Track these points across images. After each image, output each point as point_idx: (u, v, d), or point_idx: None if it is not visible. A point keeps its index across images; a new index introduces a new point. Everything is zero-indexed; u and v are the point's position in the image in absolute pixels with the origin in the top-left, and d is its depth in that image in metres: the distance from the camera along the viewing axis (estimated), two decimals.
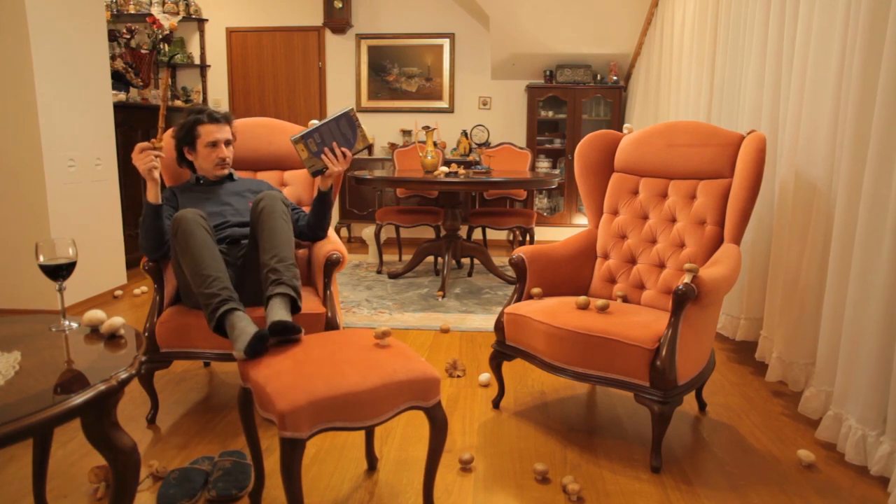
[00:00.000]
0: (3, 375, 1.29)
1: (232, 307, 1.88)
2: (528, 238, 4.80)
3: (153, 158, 2.18)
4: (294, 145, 2.31)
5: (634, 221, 2.63)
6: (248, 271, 2.26)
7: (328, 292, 2.37)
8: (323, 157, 2.34)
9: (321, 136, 2.32)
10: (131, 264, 4.53)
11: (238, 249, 2.34)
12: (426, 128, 4.33)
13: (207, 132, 2.47)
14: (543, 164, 6.13)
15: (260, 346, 1.71)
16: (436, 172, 4.17)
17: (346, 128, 2.33)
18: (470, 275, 4.81)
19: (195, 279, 1.97)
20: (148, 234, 2.25)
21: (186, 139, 2.49)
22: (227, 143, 2.52)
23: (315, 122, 2.39)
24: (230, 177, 2.61)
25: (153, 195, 2.22)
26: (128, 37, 5.14)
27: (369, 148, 6.32)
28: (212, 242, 2.05)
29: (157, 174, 2.20)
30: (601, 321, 2.11)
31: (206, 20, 6.41)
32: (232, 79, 6.50)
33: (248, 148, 2.84)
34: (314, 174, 2.38)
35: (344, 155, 2.37)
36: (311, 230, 2.54)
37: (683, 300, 1.94)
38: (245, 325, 1.79)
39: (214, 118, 2.48)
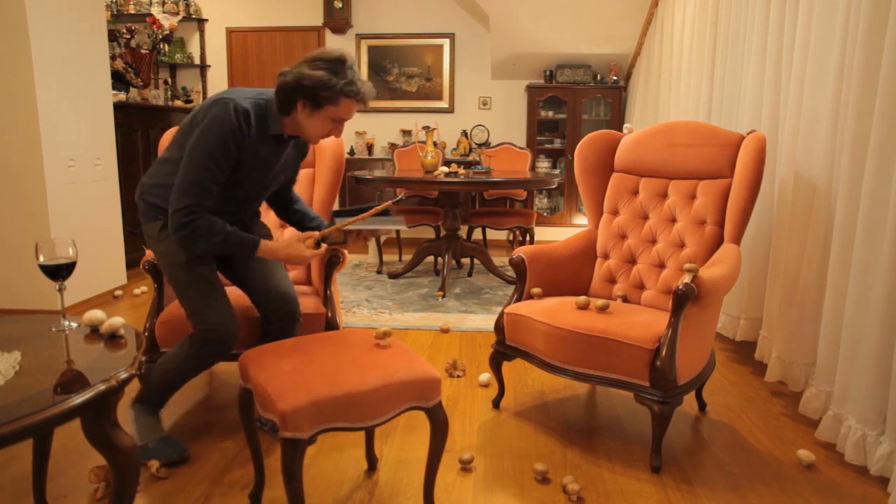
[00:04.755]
0: (3, 375, 1.29)
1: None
2: (528, 238, 4.80)
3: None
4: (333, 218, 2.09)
5: (634, 221, 2.63)
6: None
7: (328, 292, 2.37)
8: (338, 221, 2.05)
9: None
10: (131, 264, 4.53)
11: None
12: (426, 128, 4.33)
13: (347, 109, 1.96)
14: (543, 164, 6.13)
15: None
16: (436, 172, 4.16)
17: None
18: (470, 275, 4.81)
19: (167, 376, 2.05)
20: (213, 248, 1.93)
21: (314, 94, 1.91)
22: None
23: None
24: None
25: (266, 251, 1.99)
26: (128, 37, 5.13)
27: (370, 148, 6.32)
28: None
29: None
30: (601, 321, 2.11)
31: (206, 20, 6.41)
32: (232, 79, 6.50)
33: None
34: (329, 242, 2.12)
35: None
36: (282, 211, 2.32)
37: (683, 300, 1.94)
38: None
39: (362, 100, 1.98)
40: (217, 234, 1.90)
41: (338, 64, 1.91)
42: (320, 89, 1.90)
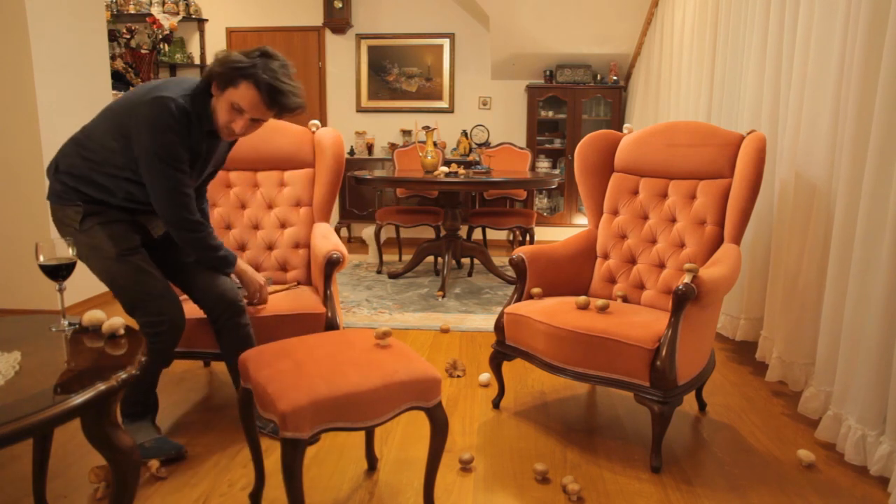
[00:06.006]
0: (3, 375, 1.29)
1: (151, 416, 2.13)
2: (528, 238, 4.80)
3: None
4: None
5: (634, 221, 2.62)
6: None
7: (328, 292, 2.37)
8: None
9: None
10: None
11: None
12: (426, 128, 4.33)
13: (244, 96, 1.86)
14: (543, 164, 6.13)
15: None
16: (436, 172, 4.17)
17: None
18: (470, 275, 4.81)
19: (133, 384, 2.05)
20: (204, 259, 2.11)
21: (222, 76, 1.87)
22: (256, 121, 1.95)
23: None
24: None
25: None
26: (128, 37, 5.14)
27: (370, 148, 6.32)
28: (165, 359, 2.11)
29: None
30: (601, 321, 2.11)
31: (206, 20, 6.41)
32: None
33: (247, 147, 2.84)
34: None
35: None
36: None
37: (683, 300, 1.94)
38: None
39: (268, 97, 1.87)
40: (217, 248, 2.10)
41: (260, 55, 1.89)
42: (220, 64, 1.87)
